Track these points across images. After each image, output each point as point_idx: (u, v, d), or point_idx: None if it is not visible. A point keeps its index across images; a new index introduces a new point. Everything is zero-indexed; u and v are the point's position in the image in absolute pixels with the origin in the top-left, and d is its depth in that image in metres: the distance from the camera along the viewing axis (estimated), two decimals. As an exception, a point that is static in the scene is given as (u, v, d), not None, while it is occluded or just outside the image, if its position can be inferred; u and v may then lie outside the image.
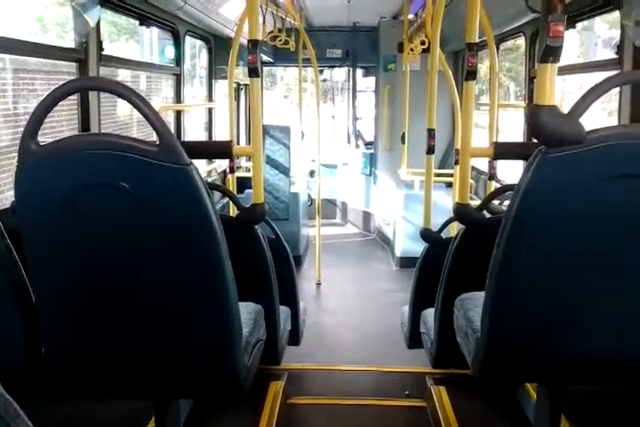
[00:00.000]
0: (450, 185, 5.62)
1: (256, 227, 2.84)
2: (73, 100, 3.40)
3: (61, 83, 1.69)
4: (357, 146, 8.95)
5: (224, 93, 6.45)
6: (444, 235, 3.36)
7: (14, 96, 5.99)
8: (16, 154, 1.68)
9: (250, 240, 2.80)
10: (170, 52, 5.34)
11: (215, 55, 6.18)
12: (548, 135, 1.61)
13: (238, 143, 6.88)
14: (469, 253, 2.64)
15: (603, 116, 5.82)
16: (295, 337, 3.35)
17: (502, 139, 5.26)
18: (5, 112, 5.83)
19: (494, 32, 4.15)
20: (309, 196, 7.61)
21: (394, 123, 7.61)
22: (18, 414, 0.78)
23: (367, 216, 8.51)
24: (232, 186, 4.86)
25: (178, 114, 5.26)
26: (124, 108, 7.76)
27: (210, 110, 6.32)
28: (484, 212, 2.86)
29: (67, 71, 4.29)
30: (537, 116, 1.62)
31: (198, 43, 6.64)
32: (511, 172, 5.02)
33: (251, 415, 2.85)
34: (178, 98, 5.21)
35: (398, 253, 6.67)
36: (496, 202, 3.21)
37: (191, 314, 1.79)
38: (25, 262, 1.79)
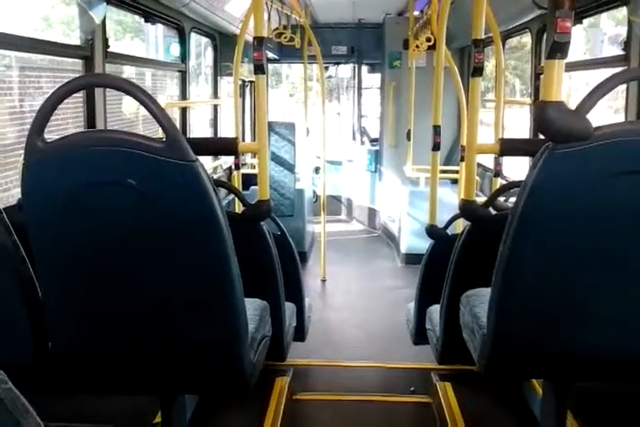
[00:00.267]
0: (455, 182, 5.61)
1: (262, 223, 2.85)
2: (79, 97, 3.41)
3: (67, 80, 1.70)
4: (363, 143, 8.94)
5: (227, 92, 6.46)
6: (449, 231, 3.36)
7: (20, 94, 6.01)
8: (22, 151, 1.69)
9: (255, 236, 2.81)
10: (175, 49, 5.35)
11: (220, 52, 6.18)
12: (555, 131, 1.61)
13: (244, 140, 6.89)
14: (475, 250, 2.64)
15: (609, 113, 5.80)
16: (301, 333, 3.36)
17: (507, 136, 5.24)
18: (12, 110, 5.85)
19: (500, 29, 4.14)
20: (314, 192, 7.61)
21: (399, 119, 7.59)
22: (26, 409, 0.78)
23: (372, 213, 8.50)
24: (237, 183, 4.86)
25: (183, 111, 5.26)
26: (129, 105, 7.78)
27: (215, 107, 6.32)
28: (490, 208, 2.86)
29: (72, 69, 4.30)
30: (544, 111, 1.61)
31: (203, 41, 6.64)
32: (517, 169, 5.01)
33: (256, 411, 2.86)
34: (183, 95, 5.22)
35: (403, 249, 6.67)
36: (502, 199, 3.21)
37: (197, 310, 1.80)
38: (32, 258, 1.80)
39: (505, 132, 5.14)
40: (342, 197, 9.15)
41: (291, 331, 3.08)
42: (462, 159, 3.81)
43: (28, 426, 0.76)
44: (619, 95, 3.59)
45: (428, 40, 5.71)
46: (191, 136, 5.28)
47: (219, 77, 6.26)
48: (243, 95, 7.19)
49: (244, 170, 5.96)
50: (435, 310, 3.04)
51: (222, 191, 5.15)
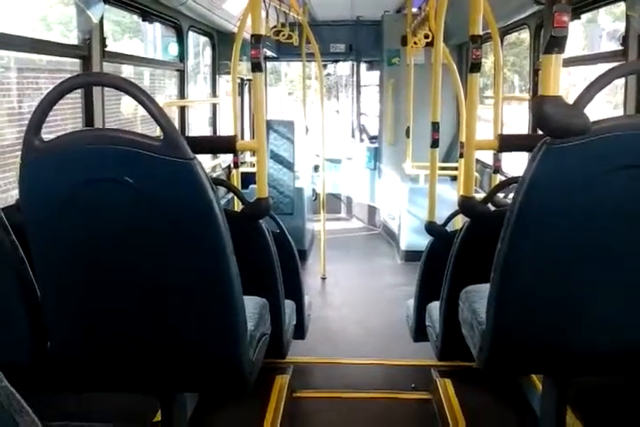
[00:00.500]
0: (454, 178, 5.61)
1: (261, 221, 2.85)
2: (78, 99, 3.41)
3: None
4: (362, 140, 8.93)
5: (226, 91, 6.46)
6: (448, 228, 3.36)
7: (19, 95, 6.01)
8: (19, 152, 1.69)
9: (255, 235, 2.81)
10: (173, 49, 5.34)
11: (219, 51, 6.18)
12: (552, 126, 1.60)
13: (242, 138, 6.88)
14: (474, 246, 2.64)
15: (608, 108, 5.79)
16: (300, 331, 3.36)
17: (506, 133, 5.24)
18: (10, 111, 5.84)
19: (498, 25, 4.13)
20: (314, 190, 7.61)
21: (398, 117, 7.59)
22: (22, 406, 0.78)
23: (372, 210, 8.50)
24: (236, 181, 4.86)
25: (182, 110, 5.26)
26: (127, 105, 7.77)
27: (214, 106, 6.32)
28: (489, 205, 2.86)
29: (70, 69, 4.30)
30: (542, 106, 1.61)
31: (202, 40, 6.64)
32: (517, 165, 5.00)
33: (256, 409, 2.86)
34: (182, 94, 5.21)
35: (403, 246, 6.67)
36: (501, 195, 3.21)
37: (196, 308, 1.80)
38: (30, 258, 1.79)
39: (504, 128, 5.13)
40: (342, 194, 9.15)
41: (290, 329, 3.09)
42: (461, 156, 3.81)
43: (24, 424, 0.75)
44: (618, 91, 3.59)
45: (426, 37, 5.71)
46: (190, 135, 5.28)
47: (217, 76, 6.25)
48: (241, 94, 7.19)
49: (244, 168, 5.96)
50: (434, 307, 3.04)
51: (222, 190, 5.15)
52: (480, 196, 3.26)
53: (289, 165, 6.43)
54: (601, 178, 1.63)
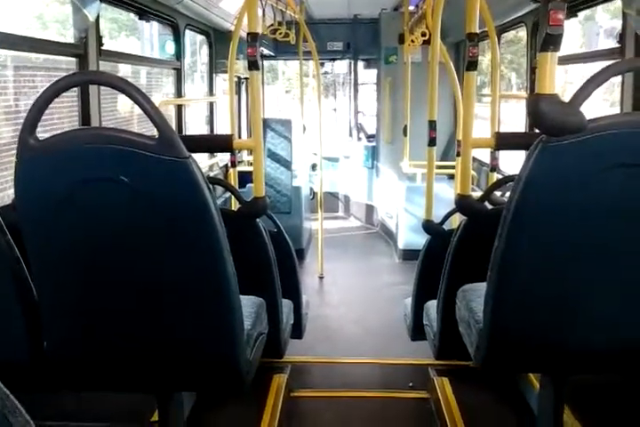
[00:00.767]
0: (452, 177, 5.61)
1: (257, 220, 2.84)
2: (74, 98, 3.40)
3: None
4: (359, 139, 8.93)
5: (223, 90, 6.44)
6: (446, 227, 3.35)
7: (15, 93, 5.99)
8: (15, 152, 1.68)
9: (252, 234, 2.80)
10: (170, 47, 5.33)
11: (215, 49, 6.16)
12: (548, 124, 1.60)
13: (240, 137, 6.87)
14: (471, 245, 2.64)
15: (605, 106, 5.80)
16: (298, 330, 3.35)
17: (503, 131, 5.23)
18: (7, 109, 5.83)
19: (495, 23, 4.13)
20: (311, 189, 7.60)
21: (396, 115, 7.58)
22: (15, 406, 0.78)
23: (370, 209, 8.50)
24: (234, 180, 4.85)
25: (179, 108, 5.25)
26: (124, 104, 7.76)
27: (211, 105, 6.31)
28: (486, 203, 2.86)
29: (66, 68, 4.29)
30: (538, 104, 1.60)
31: (198, 38, 6.62)
32: (514, 163, 5.00)
33: (254, 408, 2.86)
34: (178, 92, 5.20)
35: (401, 245, 6.67)
36: (498, 193, 3.21)
37: (193, 307, 1.79)
38: (26, 258, 1.79)
39: (501, 126, 5.14)
40: (339, 193, 9.15)
41: (288, 328, 3.08)
42: (458, 154, 3.81)
43: (17, 424, 0.75)
44: (615, 89, 3.59)
45: (424, 35, 5.70)
46: (187, 134, 5.27)
47: (214, 74, 6.24)
48: (238, 92, 7.18)
49: (241, 167, 5.95)
50: (432, 306, 3.04)
51: (219, 189, 5.14)
52: (477, 194, 3.26)
53: (286, 164, 6.42)
54: (597, 176, 1.63)
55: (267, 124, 6.24)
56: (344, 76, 10.96)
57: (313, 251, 6.78)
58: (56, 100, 1.69)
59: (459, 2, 4.09)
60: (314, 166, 7.74)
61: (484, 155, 5.38)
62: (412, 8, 6.78)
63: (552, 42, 1.61)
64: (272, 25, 5.93)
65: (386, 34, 7.69)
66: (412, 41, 6.29)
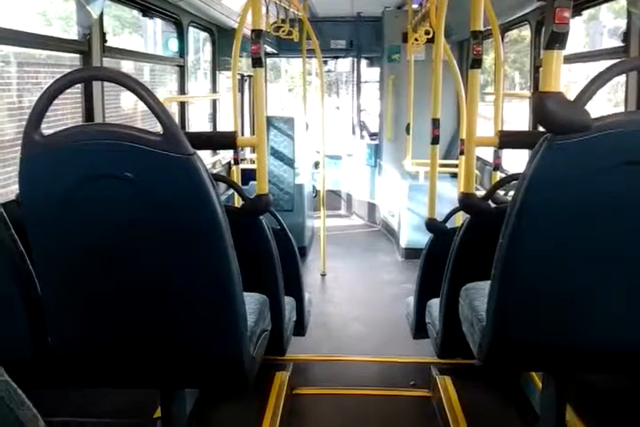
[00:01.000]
0: (455, 176, 5.60)
1: (261, 217, 2.84)
2: (78, 95, 3.40)
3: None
4: (362, 137, 8.92)
5: (226, 87, 6.44)
6: (449, 225, 3.35)
7: (18, 90, 6.00)
8: (20, 148, 1.68)
9: (255, 231, 2.81)
10: (173, 45, 5.33)
11: (219, 46, 6.16)
12: (554, 122, 1.60)
13: (243, 135, 6.87)
14: (474, 243, 2.63)
15: (609, 106, 5.79)
16: (300, 328, 3.35)
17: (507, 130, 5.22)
18: (10, 106, 5.84)
19: (499, 21, 4.12)
20: (314, 187, 7.60)
21: (398, 113, 7.58)
22: (23, 401, 0.78)
23: (372, 207, 8.50)
24: (237, 178, 4.85)
25: (182, 106, 5.25)
26: (127, 102, 7.76)
27: (214, 102, 6.30)
28: (490, 202, 2.85)
29: (70, 64, 4.29)
30: (543, 103, 1.60)
31: (202, 36, 6.62)
32: (517, 163, 5.00)
33: (256, 405, 2.86)
34: (182, 89, 5.20)
35: (403, 244, 6.67)
36: (501, 192, 3.20)
37: (196, 304, 1.80)
38: (30, 254, 1.79)
39: (504, 126, 5.13)
40: (342, 191, 9.15)
41: (290, 325, 3.08)
42: (462, 153, 3.80)
43: (24, 418, 0.75)
44: (619, 88, 3.58)
45: (427, 33, 5.70)
46: (190, 131, 5.26)
47: (217, 72, 6.24)
48: (241, 90, 7.18)
49: (243, 165, 5.95)
50: (434, 304, 3.04)
51: (222, 186, 5.14)
52: (480, 193, 3.25)
53: (289, 162, 6.42)
54: (602, 174, 1.62)
55: (270, 121, 6.24)
56: (347, 74, 10.95)
57: (315, 249, 6.78)
58: (59, 97, 1.69)
59: (462, 0, 4.08)
60: (316, 164, 7.74)
61: (486, 154, 5.37)
62: (415, 6, 6.76)
63: (558, 40, 1.61)
64: (275, 22, 5.93)
65: (389, 32, 7.68)
66: (416, 39, 6.29)
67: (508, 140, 2.96)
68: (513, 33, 5.73)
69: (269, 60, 9.38)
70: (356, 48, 8.52)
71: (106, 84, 3.45)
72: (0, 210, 1.81)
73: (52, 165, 1.67)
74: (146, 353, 1.89)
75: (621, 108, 3.24)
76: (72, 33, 3.49)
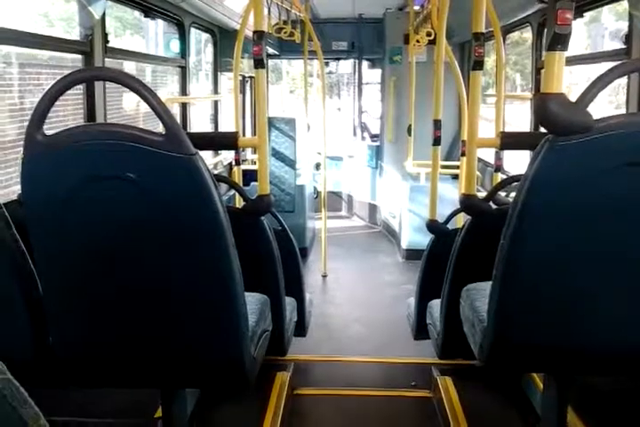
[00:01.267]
0: (456, 177, 5.60)
1: (262, 218, 2.85)
2: (80, 95, 3.41)
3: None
4: (363, 138, 8.93)
5: (228, 89, 6.44)
6: (450, 226, 3.35)
7: (20, 91, 6.01)
8: (22, 148, 1.69)
9: (256, 231, 2.81)
10: (175, 46, 5.34)
11: (220, 48, 6.17)
12: (555, 123, 1.60)
13: (244, 136, 6.88)
14: (476, 244, 2.63)
15: (610, 108, 5.79)
16: (301, 329, 3.36)
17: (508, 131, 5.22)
18: (12, 107, 5.84)
19: (501, 23, 4.12)
20: (315, 188, 7.61)
21: (400, 115, 7.58)
22: (25, 399, 0.78)
23: (373, 209, 8.50)
24: (238, 178, 4.86)
25: (184, 107, 5.26)
26: (129, 104, 7.76)
27: (215, 103, 6.31)
28: (490, 203, 2.86)
29: (71, 66, 4.29)
30: (544, 103, 1.60)
31: (203, 37, 6.62)
32: (519, 164, 5.00)
33: (257, 406, 2.86)
34: (183, 90, 5.21)
35: (404, 245, 6.67)
36: (502, 194, 3.20)
37: (197, 303, 1.80)
38: (32, 253, 1.79)
39: (506, 128, 5.13)
40: (343, 192, 9.15)
41: (291, 326, 3.08)
42: (463, 154, 3.80)
43: (26, 416, 0.76)
44: (620, 91, 3.58)
45: (429, 35, 5.71)
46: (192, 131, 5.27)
47: (219, 73, 6.25)
48: (243, 91, 7.19)
49: (245, 166, 5.96)
50: (435, 305, 3.04)
51: (223, 187, 5.15)
52: (481, 195, 3.25)
53: (290, 163, 6.43)
54: (604, 176, 1.62)
55: (271, 122, 6.24)
56: (348, 75, 10.96)
57: (316, 250, 6.78)
58: (60, 98, 1.70)
59: (464, 2, 4.09)
60: (318, 165, 7.75)
61: (487, 155, 5.38)
62: (416, 8, 6.77)
63: (559, 41, 1.61)
64: (277, 24, 5.94)
65: (390, 33, 7.69)
66: (418, 41, 6.29)
67: (510, 141, 2.96)
68: (514, 35, 5.73)
69: (271, 62, 9.40)
70: (357, 50, 8.52)
71: (107, 84, 3.46)
72: (2, 210, 1.81)
73: (53, 166, 1.67)
74: (147, 353, 1.89)
75: (623, 110, 3.24)
76: (74, 34, 3.50)
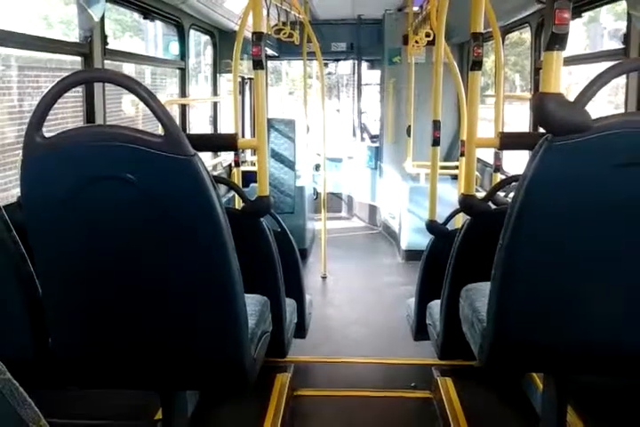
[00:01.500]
0: (455, 178, 5.61)
1: (261, 219, 2.85)
2: (79, 97, 3.41)
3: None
4: (363, 139, 8.94)
5: (228, 90, 6.45)
6: (449, 227, 3.35)
7: (19, 93, 6.01)
8: (21, 151, 1.69)
9: (256, 233, 2.81)
10: (174, 47, 5.34)
11: (220, 49, 6.18)
12: (553, 123, 1.60)
13: (243, 137, 6.88)
14: (475, 245, 2.63)
15: (609, 108, 5.79)
16: (301, 330, 3.35)
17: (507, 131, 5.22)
18: (11, 109, 5.85)
19: (499, 23, 4.13)
20: (315, 189, 7.61)
21: (399, 116, 7.59)
22: (25, 399, 0.78)
23: (373, 210, 8.50)
24: (237, 180, 4.86)
25: (183, 108, 5.26)
26: (127, 107, 7.77)
27: (215, 105, 6.32)
28: (490, 203, 2.86)
29: (71, 68, 4.30)
30: (542, 103, 1.60)
31: (203, 39, 6.62)
32: (518, 165, 5.00)
33: (257, 407, 2.86)
34: (183, 92, 5.21)
35: (404, 246, 6.67)
36: (502, 194, 3.20)
37: (197, 305, 1.80)
38: (31, 255, 1.80)
39: (505, 128, 5.13)
40: (343, 194, 9.15)
41: (291, 327, 3.08)
42: (462, 154, 3.81)
43: (26, 416, 0.76)
44: (619, 91, 3.58)
45: (428, 36, 5.71)
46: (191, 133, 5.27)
47: (218, 75, 6.25)
48: (242, 92, 7.19)
49: (244, 167, 5.96)
50: (435, 306, 3.04)
51: (222, 188, 5.15)
52: (480, 195, 3.26)
53: (290, 164, 6.42)
54: (602, 175, 1.62)
55: (270, 124, 6.24)
56: (347, 76, 10.97)
57: (316, 251, 6.78)
58: (59, 100, 1.70)
59: (463, 2, 4.09)
60: (317, 167, 7.75)
61: (486, 156, 5.38)
62: (415, 9, 6.78)
63: (558, 41, 1.62)
64: (276, 25, 5.94)
65: (390, 34, 7.69)
66: (417, 42, 6.30)
67: (509, 141, 2.96)
68: (513, 35, 5.74)
69: (270, 64, 9.40)
70: (356, 51, 8.53)
71: (107, 86, 3.46)
72: (1, 212, 1.81)
73: (53, 167, 1.67)
74: (146, 355, 1.89)
75: (621, 110, 3.24)
76: (73, 37, 3.51)
